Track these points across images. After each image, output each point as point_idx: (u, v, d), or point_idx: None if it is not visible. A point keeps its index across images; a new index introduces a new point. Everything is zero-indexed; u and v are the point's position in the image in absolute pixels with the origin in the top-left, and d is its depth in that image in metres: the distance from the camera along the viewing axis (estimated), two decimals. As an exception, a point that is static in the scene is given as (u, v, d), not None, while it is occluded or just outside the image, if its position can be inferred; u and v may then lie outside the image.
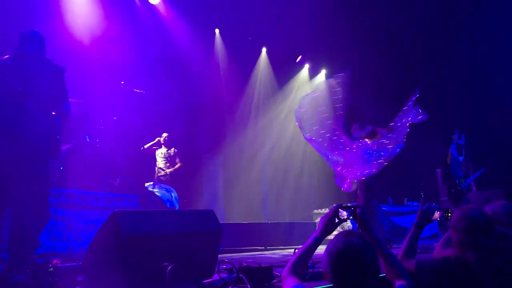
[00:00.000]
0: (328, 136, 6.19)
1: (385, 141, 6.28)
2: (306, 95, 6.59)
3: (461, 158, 7.87)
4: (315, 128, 6.25)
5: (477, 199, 8.50)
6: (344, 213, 2.31)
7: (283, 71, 11.99)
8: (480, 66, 10.69)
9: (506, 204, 2.97)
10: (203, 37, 10.11)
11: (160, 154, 8.23)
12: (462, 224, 2.37)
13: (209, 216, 3.76)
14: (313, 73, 12.94)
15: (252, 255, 6.39)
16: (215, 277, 3.44)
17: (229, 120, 10.90)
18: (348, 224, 7.30)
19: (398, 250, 2.81)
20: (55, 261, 3.54)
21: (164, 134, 8.24)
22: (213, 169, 10.58)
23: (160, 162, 8.18)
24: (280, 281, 3.29)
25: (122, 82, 7.20)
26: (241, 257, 5.76)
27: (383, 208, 8.71)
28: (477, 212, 2.39)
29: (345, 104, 6.30)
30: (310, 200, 11.65)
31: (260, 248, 7.57)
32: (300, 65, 12.49)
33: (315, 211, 10.62)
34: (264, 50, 11.82)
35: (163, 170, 8.11)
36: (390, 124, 6.36)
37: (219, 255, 3.82)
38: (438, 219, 2.98)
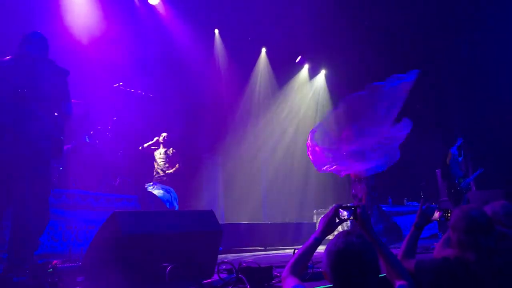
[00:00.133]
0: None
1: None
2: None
3: (460, 159, 7.88)
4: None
5: (477, 199, 8.50)
6: (345, 213, 2.31)
7: (283, 71, 12.00)
8: (480, 66, 10.69)
9: (506, 204, 2.97)
10: (203, 37, 10.11)
11: (159, 154, 8.22)
12: (462, 224, 2.37)
13: (208, 216, 3.76)
14: (312, 73, 12.95)
15: (251, 255, 6.39)
16: (215, 277, 3.44)
17: (229, 120, 10.90)
18: (348, 224, 7.31)
19: (398, 250, 2.81)
20: (54, 261, 3.54)
21: (163, 134, 8.23)
22: (213, 169, 10.58)
23: (159, 162, 8.18)
24: (279, 281, 3.29)
25: (121, 83, 7.20)
26: (241, 257, 5.76)
27: (383, 209, 8.72)
28: (477, 212, 2.39)
29: None
30: (310, 200, 11.65)
31: (260, 248, 7.57)
32: (300, 65, 12.50)
33: (315, 211, 10.64)
34: (263, 50, 11.82)
35: (162, 170, 8.11)
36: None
37: (219, 256, 3.82)
38: (438, 219, 2.98)
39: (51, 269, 3.31)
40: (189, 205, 8.70)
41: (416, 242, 2.82)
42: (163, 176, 8.04)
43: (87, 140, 6.48)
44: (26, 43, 3.88)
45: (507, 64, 10.35)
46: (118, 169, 7.01)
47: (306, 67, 12.69)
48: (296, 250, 3.12)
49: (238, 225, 8.03)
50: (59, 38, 7.08)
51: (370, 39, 10.67)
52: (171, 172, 8.07)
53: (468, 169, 9.95)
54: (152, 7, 9.36)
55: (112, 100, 7.40)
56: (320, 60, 12.45)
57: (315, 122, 12.17)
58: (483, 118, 11.11)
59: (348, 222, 5.84)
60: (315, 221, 10.09)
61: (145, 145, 8.21)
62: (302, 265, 2.24)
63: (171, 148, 8.25)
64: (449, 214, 2.93)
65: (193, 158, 9.61)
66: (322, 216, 2.35)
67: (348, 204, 2.37)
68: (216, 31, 10.85)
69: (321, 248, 2.17)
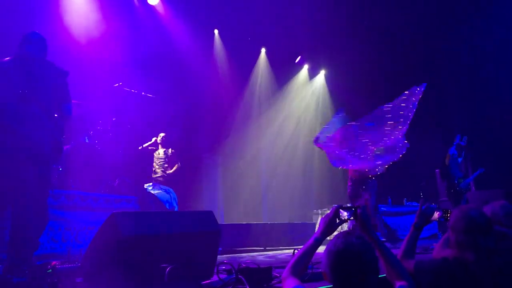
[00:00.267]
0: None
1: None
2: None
3: (460, 159, 7.88)
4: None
5: (476, 199, 8.49)
6: (345, 213, 2.31)
7: (283, 72, 12.00)
8: (480, 66, 10.69)
9: (505, 204, 2.97)
10: (202, 38, 10.11)
11: (158, 154, 8.21)
12: (461, 225, 2.37)
13: (208, 216, 3.76)
14: (312, 74, 12.95)
15: (251, 255, 6.39)
16: (214, 278, 3.44)
17: (228, 121, 10.90)
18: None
19: (397, 250, 2.80)
20: (54, 262, 3.54)
21: (161, 134, 8.22)
22: (212, 170, 10.57)
23: (158, 163, 8.17)
24: (279, 282, 3.29)
25: (120, 83, 7.19)
26: (240, 258, 5.76)
27: (382, 209, 8.73)
28: (476, 212, 2.39)
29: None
30: (309, 201, 11.65)
31: (259, 248, 7.56)
32: (300, 65, 12.50)
33: (315, 211, 10.63)
34: (263, 50, 11.82)
35: (161, 170, 8.10)
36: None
37: (218, 256, 3.82)
38: (438, 219, 2.97)
39: (50, 270, 3.31)
40: (189, 205, 8.69)
41: (415, 242, 2.81)
42: (162, 176, 8.03)
43: (87, 141, 6.47)
44: (26, 43, 3.88)
45: (507, 64, 10.35)
46: (118, 169, 7.00)
47: (305, 67, 12.70)
48: (296, 251, 3.11)
49: (237, 226, 8.02)
50: (59, 38, 7.08)
51: (370, 39, 10.68)
52: (171, 173, 8.07)
53: (468, 170, 9.94)
54: (151, 7, 9.35)
55: (112, 101, 7.39)
56: (320, 61, 12.46)
57: (315, 123, 12.20)
58: (483, 118, 11.11)
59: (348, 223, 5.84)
60: (314, 221, 10.08)
61: (144, 145, 8.20)
62: (303, 266, 2.24)
63: (170, 149, 8.24)
64: (448, 214, 2.92)
65: (192, 159, 9.61)
66: (322, 216, 2.35)
67: (348, 205, 2.37)
68: (216, 31, 10.85)
69: (321, 249, 2.17)
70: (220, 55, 10.89)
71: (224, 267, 3.57)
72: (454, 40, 10.77)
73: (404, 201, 11.00)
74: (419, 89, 6.49)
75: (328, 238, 2.29)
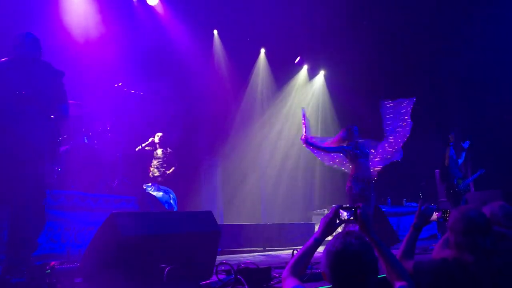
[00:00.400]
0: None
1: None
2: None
3: (460, 161, 7.87)
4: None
5: (475, 200, 8.50)
6: (345, 214, 2.30)
7: (282, 72, 12.00)
8: (480, 67, 10.69)
9: (504, 205, 2.97)
10: (202, 38, 10.11)
11: (156, 154, 8.21)
12: (460, 225, 2.36)
13: (207, 217, 3.76)
14: (312, 74, 12.95)
15: (250, 256, 6.39)
16: (213, 278, 3.44)
17: (228, 122, 10.90)
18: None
19: (397, 251, 2.80)
20: (53, 262, 3.53)
21: (159, 134, 8.21)
22: (212, 171, 10.57)
23: (156, 163, 8.16)
24: (278, 282, 3.29)
25: (120, 83, 7.19)
26: (239, 258, 5.76)
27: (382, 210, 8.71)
28: (475, 213, 2.38)
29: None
30: (309, 201, 11.66)
31: (258, 249, 7.56)
32: (299, 66, 12.50)
33: (314, 212, 10.63)
34: (262, 51, 11.82)
35: (160, 170, 8.09)
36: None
37: (217, 256, 3.82)
38: (437, 220, 2.97)
39: (49, 271, 3.31)
40: (188, 206, 8.69)
41: (414, 243, 2.81)
42: (160, 176, 8.02)
43: (86, 141, 6.47)
44: (20, 44, 3.87)
45: (507, 65, 10.36)
46: (117, 170, 7.00)
47: (305, 67, 12.70)
48: (295, 251, 3.11)
49: (236, 226, 8.02)
50: (58, 39, 7.09)
51: (370, 39, 10.68)
52: (169, 174, 8.07)
53: (467, 170, 9.94)
54: (151, 7, 9.35)
55: (111, 101, 7.39)
56: (319, 61, 12.46)
57: (315, 123, 12.19)
58: (482, 118, 11.12)
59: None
60: (314, 222, 10.08)
61: (144, 144, 8.19)
62: (303, 266, 2.24)
63: (168, 148, 8.23)
64: (447, 215, 2.92)
65: (192, 160, 9.61)
66: (323, 216, 2.35)
67: (347, 205, 2.36)
68: (215, 31, 10.85)
69: (321, 249, 2.17)
70: (220, 55, 10.89)
71: (223, 268, 3.57)
72: (454, 40, 10.78)
73: (404, 201, 11.00)
74: (407, 102, 6.53)
75: (328, 238, 2.29)
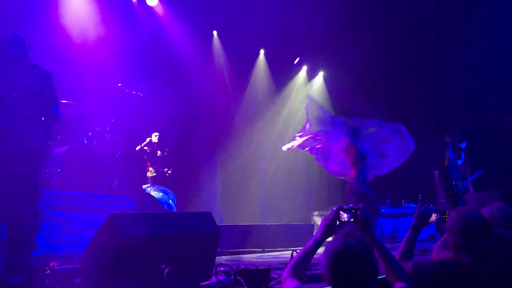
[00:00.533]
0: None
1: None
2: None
3: (459, 162, 7.88)
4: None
5: (474, 201, 8.50)
6: (345, 215, 2.30)
7: (281, 73, 12.00)
8: (480, 67, 10.70)
9: (503, 206, 2.97)
10: (201, 39, 10.11)
11: (154, 154, 8.20)
12: (459, 227, 2.36)
13: (206, 218, 3.76)
14: (311, 75, 12.96)
15: (249, 257, 6.39)
16: (213, 279, 3.44)
17: (227, 122, 10.89)
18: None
19: (396, 252, 2.81)
20: (52, 263, 3.53)
21: (156, 134, 8.19)
22: (211, 172, 10.57)
23: (155, 162, 8.15)
24: (277, 283, 3.30)
25: (120, 84, 7.19)
26: (239, 259, 5.76)
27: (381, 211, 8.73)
28: (474, 214, 2.38)
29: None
30: (308, 202, 11.65)
31: (258, 250, 7.56)
32: (298, 67, 12.50)
33: (313, 212, 10.63)
34: (262, 52, 11.82)
35: (159, 170, 8.08)
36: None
37: (217, 257, 3.82)
38: (436, 221, 2.98)
39: (48, 271, 3.31)
40: (187, 207, 8.68)
41: (413, 244, 2.81)
42: (158, 176, 8.01)
43: (85, 142, 6.47)
44: (8, 47, 3.86)
45: (506, 66, 10.36)
46: (116, 170, 7.00)
47: (304, 68, 12.70)
48: (295, 253, 3.11)
49: (236, 227, 8.02)
50: (57, 40, 7.09)
51: (369, 40, 10.68)
52: (168, 174, 8.06)
53: (466, 171, 9.95)
54: (150, 8, 9.35)
55: (110, 102, 7.39)
56: (318, 62, 12.46)
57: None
58: (482, 119, 11.13)
59: None
60: (313, 222, 10.09)
61: (142, 145, 8.19)
62: (303, 267, 2.24)
63: (165, 148, 8.23)
64: (446, 216, 2.92)
65: (191, 160, 9.60)
66: (323, 218, 2.35)
67: (345, 207, 2.36)
68: (215, 32, 10.85)
69: (320, 250, 2.17)
70: (219, 56, 10.88)
71: (222, 269, 3.57)
72: (454, 41, 10.79)
73: (403, 202, 11.02)
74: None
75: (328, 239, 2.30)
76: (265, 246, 7.78)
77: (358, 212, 2.28)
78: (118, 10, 8.41)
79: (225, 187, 10.61)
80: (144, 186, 7.39)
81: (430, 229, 9.86)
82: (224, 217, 10.17)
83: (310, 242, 2.28)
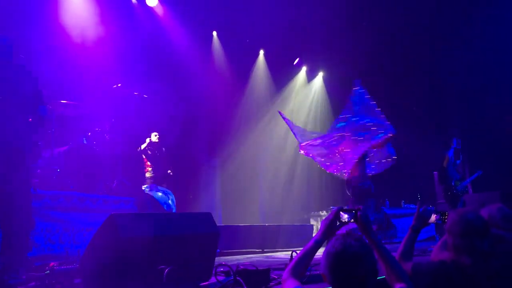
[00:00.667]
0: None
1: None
2: None
3: (458, 162, 7.89)
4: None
5: (473, 202, 8.50)
6: (345, 216, 2.31)
7: (281, 74, 12.00)
8: (480, 67, 10.70)
9: (502, 207, 2.97)
10: (201, 39, 10.11)
11: (154, 154, 8.19)
12: (458, 228, 2.36)
13: (206, 218, 3.76)
14: (310, 75, 12.96)
15: (249, 257, 6.39)
16: (212, 279, 3.44)
17: (227, 123, 10.89)
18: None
19: (395, 252, 2.81)
20: (52, 263, 3.53)
21: (156, 134, 8.19)
22: (211, 172, 10.57)
23: (154, 162, 8.14)
24: (277, 284, 3.30)
25: (119, 84, 7.19)
26: (238, 259, 5.76)
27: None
28: (473, 215, 2.38)
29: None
30: (308, 203, 11.65)
31: (257, 250, 7.57)
32: (298, 67, 12.50)
33: (313, 213, 10.63)
34: (261, 52, 11.82)
35: (157, 171, 8.08)
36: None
37: (217, 258, 3.82)
38: (435, 222, 2.98)
39: (48, 271, 3.31)
40: (187, 207, 8.69)
41: (413, 244, 2.82)
42: (158, 176, 8.01)
43: (85, 142, 6.47)
44: None
45: (506, 66, 10.36)
46: (116, 171, 7.00)
47: (304, 69, 12.70)
48: (295, 253, 3.11)
49: (235, 227, 8.02)
50: (57, 40, 7.09)
51: (369, 41, 10.68)
52: (167, 175, 8.06)
53: (465, 172, 9.95)
54: (150, 8, 9.35)
55: (110, 102, 7.39)
56: (318, 62, 12.46)
57: (313, 124, 12.20)
58: (481, 119, 11.13)
59: None
60: (312, 223, 10.09)
61: (142, 147, 8.18)
62: (303, 267, 2.25)
63: (163, 148, 8.22)
64: (446, 217, 2.93)
65: (191, 161, 9.60)
66: (323, 218, 2.36)
67: (345, 207, 2.37)
68: (214, 33, 10.84)
69: (320, 251, 2.18)
70: (219, 57, 10.88)
71: (222, 269, 3.57)
72: (454, 41, 10.79)
73: (402, 203, 11.02)
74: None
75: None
76: (264, 246, 7.78)
77: (358, 213, 2.29)
78: (118, 11, 8.41)
79: (225, 188, 10.62)
80: (143, 187, 7.39)
81: (430, 230, 9.85)
82: (223, 218, 10.18)
83: (310, 243, 2.28)
